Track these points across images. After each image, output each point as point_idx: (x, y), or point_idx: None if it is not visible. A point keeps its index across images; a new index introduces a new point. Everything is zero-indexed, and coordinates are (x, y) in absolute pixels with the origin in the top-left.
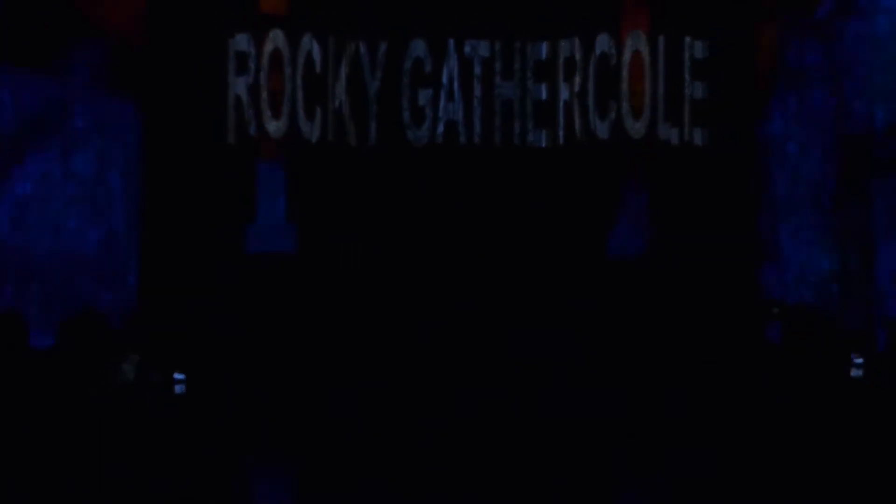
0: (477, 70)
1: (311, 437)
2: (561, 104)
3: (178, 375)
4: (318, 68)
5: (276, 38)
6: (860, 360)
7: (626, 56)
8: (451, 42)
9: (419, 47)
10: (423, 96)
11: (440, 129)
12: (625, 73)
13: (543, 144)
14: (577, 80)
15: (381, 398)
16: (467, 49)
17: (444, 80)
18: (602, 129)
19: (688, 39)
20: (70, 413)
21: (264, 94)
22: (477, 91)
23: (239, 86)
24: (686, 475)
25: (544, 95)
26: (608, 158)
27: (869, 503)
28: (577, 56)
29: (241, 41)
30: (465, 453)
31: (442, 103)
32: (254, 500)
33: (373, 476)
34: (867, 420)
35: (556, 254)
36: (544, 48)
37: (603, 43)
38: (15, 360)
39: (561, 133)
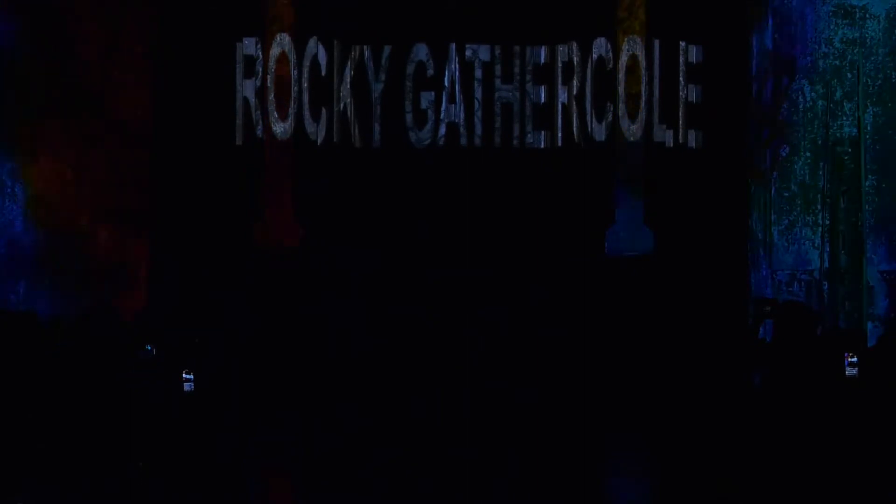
0: (478, 73)
1: (313, 436)
2: (559, 107)
3: (186, 375)
4: (323, 71)
5: (282, 42)
6: (853, 359)
7: (623, 60)
8: (453, 46)
9: (421, 51)
10: (426, 99)
11: (442, 130)
12: (621, 76)
13: (542, 146)
14: (575, 83)
15: (382, 397)
16: (468, 53)
17: (446, 83)
18: (599, 131)
19: (683, 44)
20: (83, 408)
21: (271, 97)
22: (477, 94)
23: (247, 88)
24: (680, 472)
25: (543, 98)
26: (605, 159)
27: (864, 498)
28: (575, 60)
29: (249, 45)
30: (466, 452)
31: (444, 106)
32: (256, 498)
33: (373, 475)
34: (860, 416)
35: (554, 251)
36: (543, 52)
37: (600, 47)
38: (29, 356)
39: (559, 135)
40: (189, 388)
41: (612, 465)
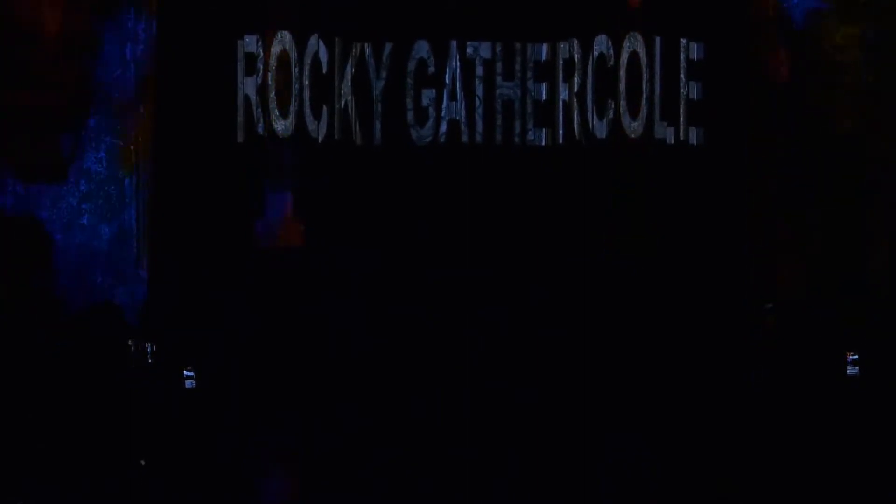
0: (479, 70)
1: (313, 436)
2: (560, 104)
3: (187, 372)
4: (324, 69)
5: (283, 40)
6: (855, 356)
7: (624, 57)
8: (454, 44)
9: (422, 49)
10: (427, 96)
11: (443, 127)
12: (622, 73)
13: (543, 143)
14: (576, 80)
15: (382, 397)
16: (469, 50)
17: (447, 80)
18: (600, 128)
19: (684, 41)
20: (83, 407)
21: (272, 94)
22: (479, 91)
23: (248, 86)
24: (680, 471)
25: (544, 95)
26: (606, 156)
27: (864, 498)
28: (576, 57)
29: (250, 42)
30: (466, 452)
31: (445, 103)
32: (256, 498)
33: (373, 475)
34: (863, 415)
35: (554, 249)
36: (544, 49)
37: (601, 44)
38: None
39: (560, 132)
40: (190, 386)
41: (612, 465)
